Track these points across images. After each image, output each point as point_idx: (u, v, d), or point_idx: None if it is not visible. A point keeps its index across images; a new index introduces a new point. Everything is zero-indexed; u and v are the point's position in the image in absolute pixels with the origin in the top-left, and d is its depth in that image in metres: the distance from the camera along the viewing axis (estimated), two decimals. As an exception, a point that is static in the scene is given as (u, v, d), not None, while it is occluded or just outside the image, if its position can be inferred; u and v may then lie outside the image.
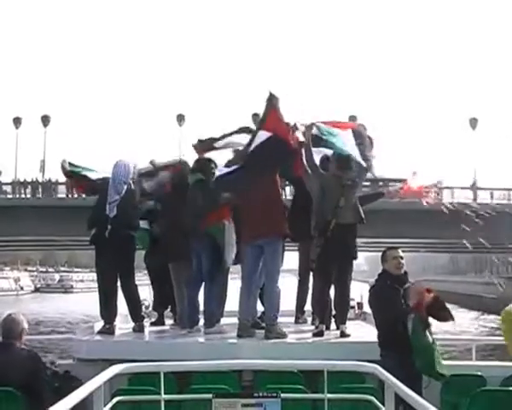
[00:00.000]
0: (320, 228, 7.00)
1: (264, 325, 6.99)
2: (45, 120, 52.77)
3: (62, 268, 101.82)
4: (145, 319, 7.90)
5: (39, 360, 5.46)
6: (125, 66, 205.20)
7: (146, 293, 8.43)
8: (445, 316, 5.41)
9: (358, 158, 6.99)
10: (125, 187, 7.39)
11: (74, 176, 8.05)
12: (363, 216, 7.12)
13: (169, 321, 8.31)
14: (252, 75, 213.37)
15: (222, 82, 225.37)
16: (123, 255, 7.41)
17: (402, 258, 5.86)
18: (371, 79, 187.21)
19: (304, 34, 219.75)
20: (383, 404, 4.30)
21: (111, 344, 6.89)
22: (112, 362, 4.69)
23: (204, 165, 7.54)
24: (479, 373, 5.90)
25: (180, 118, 52.47)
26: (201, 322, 7.38)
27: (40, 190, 43.03)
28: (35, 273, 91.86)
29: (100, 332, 7.28)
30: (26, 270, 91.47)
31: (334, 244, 6.88)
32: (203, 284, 7.34)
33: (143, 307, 7.94)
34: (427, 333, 5.36)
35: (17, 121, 52.57)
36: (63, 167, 7.89)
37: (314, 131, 7.09)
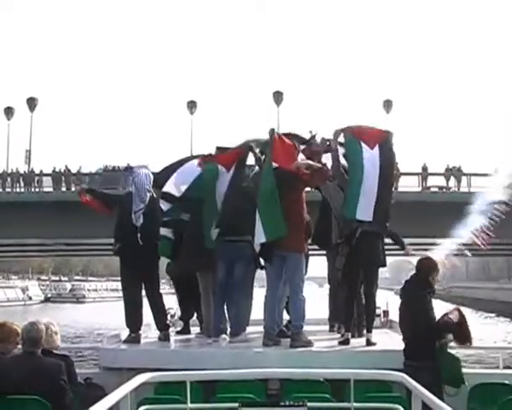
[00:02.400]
0: (345, 236, 7.25)
1: (289, 333, 7.23)
2: (31, 103, 48.06)
3: (76, 277, 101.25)
4: (170, 328, 8.09)
5: (62, 369, 5.55)
6: (133, 52, 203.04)
7: (171, 302, 8.67)
8: (466, 340, 5.84)
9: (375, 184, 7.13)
10: (149, 195, 7.67)
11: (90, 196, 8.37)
12: (387, 224, 7.37)
13: (195, 329, 8.48)
14: (266, 61, 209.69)
15: (234, 67, 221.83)
16: (148, 264, 7.64)
17: None
18: (422, 60, 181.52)
19: (332, 14, 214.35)
20: None
21: (137, 353, 7.10)
22: (138, 371, 4.85)
23: None
24: (506, 382, 6.04)
25: (191, 105, 50.02)
26: (227, 331, 7.56)
27: (22, 182, 38.26)
28: (47, 282, 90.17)
29: (125, 341, 7.52)
30: (38, 279, 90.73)
31: (360, 253, 7.14)
32: (230, 292, 7.55)
33: (169, 315, 8.15)
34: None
35: (8, 111, 48.09)
36: (81, 192, 8.31)
37: (341, 139, 7.36)
